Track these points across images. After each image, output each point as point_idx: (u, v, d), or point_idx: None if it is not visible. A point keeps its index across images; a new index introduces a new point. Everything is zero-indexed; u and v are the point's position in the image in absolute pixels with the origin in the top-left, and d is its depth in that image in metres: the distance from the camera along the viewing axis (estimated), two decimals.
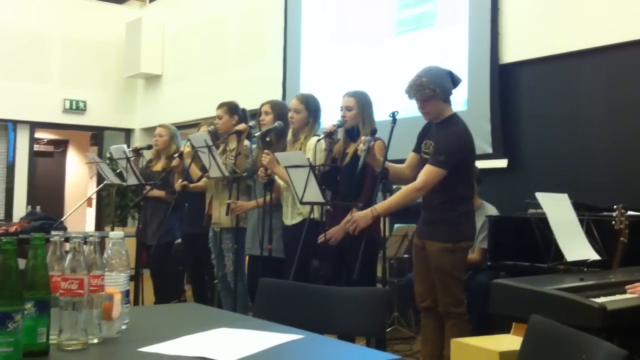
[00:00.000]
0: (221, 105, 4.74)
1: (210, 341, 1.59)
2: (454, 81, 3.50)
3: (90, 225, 10.75)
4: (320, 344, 1.65)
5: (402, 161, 4.73)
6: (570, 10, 4.84)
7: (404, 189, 3.45)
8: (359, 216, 3.42)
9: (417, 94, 3.42)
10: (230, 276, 4.50)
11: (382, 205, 3.44)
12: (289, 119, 4.24)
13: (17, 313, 1.31)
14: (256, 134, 4.29)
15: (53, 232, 1.57)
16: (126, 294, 1.70)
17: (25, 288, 1.39)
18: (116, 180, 5.75)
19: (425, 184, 3.35)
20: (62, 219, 6.78)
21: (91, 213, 10.79)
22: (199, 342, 1.57)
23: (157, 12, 9.91)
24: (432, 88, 3.38)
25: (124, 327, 1.68)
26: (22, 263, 1.38)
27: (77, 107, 9.74)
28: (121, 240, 1.69)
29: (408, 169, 3.64)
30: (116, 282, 1.65)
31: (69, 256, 1.52)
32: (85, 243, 1.56)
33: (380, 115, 3.97)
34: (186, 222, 5.07)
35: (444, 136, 3.42)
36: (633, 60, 4.53)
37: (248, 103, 5.13)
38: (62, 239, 1.57)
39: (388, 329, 5.02)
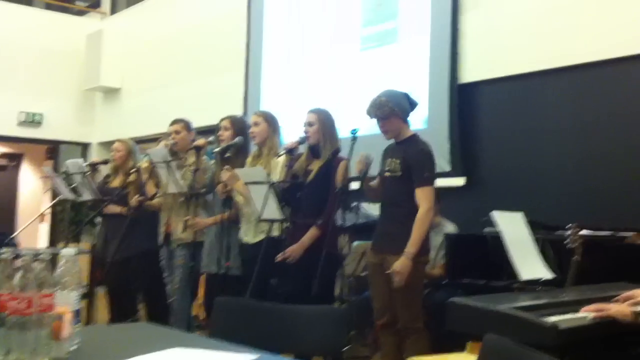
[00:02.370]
0: (178, 121, 4.70)
1: None
2: (411, 103, 3.63)
3: (43, 242, 10.51)
4: None
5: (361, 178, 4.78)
6: (527, 31, 4.95)
7: (417, 221, 3.48)
8: (401, 268, 3.42)
9: (377, 112, 3.56)
10: (175, 294, 4.44)
11: (412, 244, 3.46)
12: (249, 135, 4.23)
13: None
14: (215, 150, 4.27)
15: (2, 249, 1.53)
16: (77, 313, 1.65)
17: None
18: (70, 196, 5.63)
19: (429, 206, 3.49)
20: (14, 235, 6.62)
21: (44, 229, 10.55)
22: None
23: (118, 24, 9.81)
24: (391, 107, 3.50)
25: (74, 347, 1.63)
26: None
27: (33, 120, 9.55)
28: (74, 257, 1.65)
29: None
30: (67, 301, 1.61)
31: (19, 274, 1.48)
32: (36, 260, 1.53)
33: (344, 132, 4.01)
34: (142, 240, 4.99)
35: (416, 154, 3.55)
36: (590, 81, 4.65)
37: (208, 118, 5.11)
38: (12, 256, 1.53)
39: (345, 348, 4.99)
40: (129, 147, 5.37)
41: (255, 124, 4.17)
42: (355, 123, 3.96)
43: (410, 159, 3.54)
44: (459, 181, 5.17)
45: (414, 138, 3.66)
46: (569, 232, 2.97)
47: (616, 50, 4.45)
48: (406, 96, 3.65)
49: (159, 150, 4.44)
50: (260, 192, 3.65)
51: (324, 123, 3.94)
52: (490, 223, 3.25)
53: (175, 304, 4.46)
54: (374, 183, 3.76)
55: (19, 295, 1.45)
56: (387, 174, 3.62)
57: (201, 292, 4.79)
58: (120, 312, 5.20)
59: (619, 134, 4.46)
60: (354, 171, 3.76)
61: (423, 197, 3.50)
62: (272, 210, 3.65)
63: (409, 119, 3.68)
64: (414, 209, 3.50)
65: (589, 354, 2.29)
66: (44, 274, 1.54)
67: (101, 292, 5.38)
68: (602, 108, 4.57)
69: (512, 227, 2.93)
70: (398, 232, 3.52)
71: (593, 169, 4.56)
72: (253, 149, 4.31)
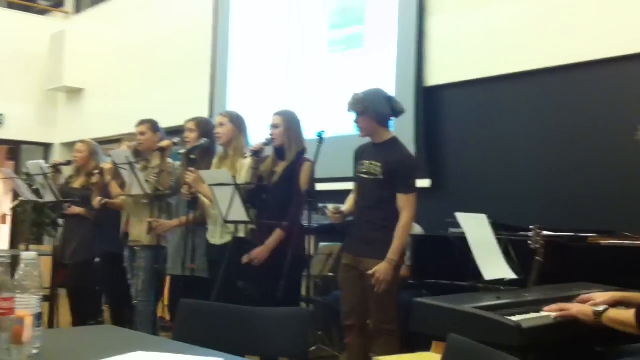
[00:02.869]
0: (144, 122, 4.65)
1: None
2: (394, 109, 3.60)
3: (4, 243, 10.29)
4: None
5: (329, 179, 4.80)
6: (493, 35, 5.02)
7: (400, 228, 3.49)
8: (385, 275, 3.42)
9: (351, 106, 3.59)
10: (139, 296, 4.40)
11: (395, 251, 3.46)
12: (215, 136, 4.20)
13: None
14: (181, 152, 4.23)
15: None
16: (38, 316, 1.62)
17: None
18: (32, 197, 5.54)
19: (412, 213, 3.52)
20: None
21: (5, 230, 10.34)
22: None
23: (82, 24, 9.67)
24: (365, 105, 3.51)
25: (34, 351, 1.60)
26: None
27: None
28: (34, 261, 1.62)
29: (354, 197, 3.74)
30: (27, 305, 1.58)
31: None
32: None
33: (309, 134, 4.01)
34: (104, 241, 4.92)
35: (400, 159, 3.57)
36: (553, 85, 4.74)
37: (174, 120, 5.07)
38: None
39: (312, 348, 5.00)
40: (91, 148, 5.30)
41: (221, 124, 4.14)
42: (323, 125, 3.96)
43: (393, 163, 3.54)
44: (424, 183, 5.21)
45: (394, 142, 3.66)
46: (531, 233, 3.01)
47: (578, 55, 4.55)
48: (388, 99, 3.64)
49: (122, 152, 4.40)
50: (226, 194, 3.63)
51: (289, 125, 3.94)
52: (455, 224, 3.28)
53: (139, 306, 4.41)
54: (344, 208, 3.74)
55: None
56: (365, 176, 3.62)
57: (167, 293, 4.75)
58: (83, 315, 5.13)
59: (581, 138, 4.55)
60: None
61: (407, 204, 3.50)
62: (238, 212, 3.63)
63: (390, 122, 3.68)
64: (393, 212, 3.50)
65: (552, 353, 2.33)
66: (3, 277, 1.51)
67: (63, 294, 5.30)
68: (565, 112, 4.65)
69: (476, 229, 2.96)
70: (376, 236, 3.53)
71: (555, 171, 4.64)
72: (219, 150, 4.28)
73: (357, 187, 3.72)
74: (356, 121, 3.62)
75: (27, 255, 1.62)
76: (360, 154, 3.73)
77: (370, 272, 3.45)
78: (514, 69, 4.88)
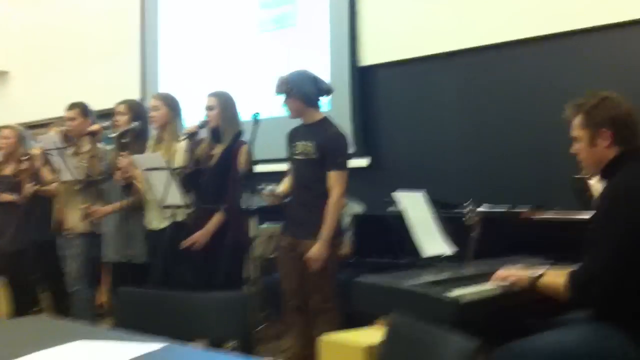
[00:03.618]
0: (73, 106, 4.50)
1: (65, 356, 1.50)
2: (320, 89, 3.61)
3: None
4: (181, 352, 1.61)
5: (268, 160, 4.77)
6: (424, 15, 5.07)
7: (330, 206, 3.49)
8: (318, 255, 3.43)
9: (277, 89, 3.61)
10: (75, 284, 4.31)
11: (327, 229, 3.47)
12: (148, 119, 4.11)
13: None
14: (112, 135, 4.12)
15: None
16: None
17: None
18: None
19: (342, 190, 3.53)
20: None
21: None
22: (54, 357, 1.48)
23: (3, 5, 9.25)
24: (290, 87, 3.53)
25: None
26: None
27: None
28: None
29: (290, 179, 3.74)
30: None
31: None
32: None
33: (245, 115, 3.97)
34: (37, 229, 4.77)
35: (330, 137, 3.57)
36: (482, 63, 4.82)
37: (104, 103, 4.92)
38: None
39: (258, 328, 5.00)
40: (18, 134, 5.11)
41: (155, 107, 4.05)
42: (258, 106, 3.93)
43: (324, 142, 3.55)
44: (362, 162, 5.25)
45: (325, 121, 3.67)
46: (467, 209, 3.07)
47: (507, 34, 4.64)
48: (314, 80, 3.64)
49: (50, 137, 4.26)
50: (161, 178, 3.56)
51: (224, 106, 3.89)
52: (392, 203, 3.32)
53: (76, 293, 4.31)
54: (279, 190, 3.73)
55: None
56: (299, 157, 3.62)
57: (105, 280, 4.66)
58: (22, 305, 4.99)
59: (513, 114, 4.66)
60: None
61: (336, 181, 3.52)
62: (175, 196, 3.58)
63: (319, 102, 3.68)
64: (326, 192, 3.52)
65: (490, 327, 2.38)
66: None
67: (1, 285, 5.13)
68: (496, 89, 4.76)
69: (414, 206, 3.00)
70: (310, 216, 3.54)
71: (489, 147, 4.75)
72: (153, 133, 4.19)
73: (292, 169, 3.72)
74: (284, 103, 3.62)
75: None
76: (293, 136, 3.73)
77: (306, 256, 3.47)
78: (444, 49, 4.95)
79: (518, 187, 4.47)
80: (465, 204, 3.09)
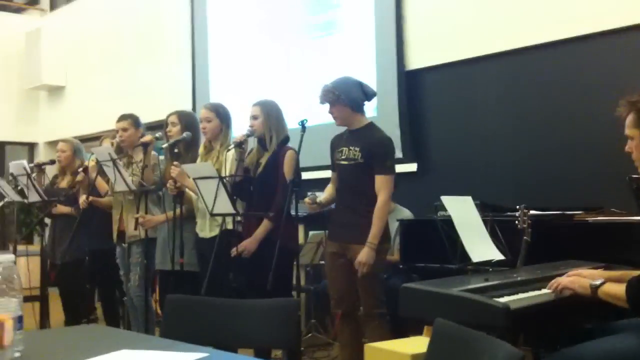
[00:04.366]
0: (124, 117, 4.60)
1: None
2: (366, 93, 3.62)
3: None
4: None
5: (315, 168, 4.78)
6: (470, 17, 5.01)
7: (377, 210, 3.49)
8: (366, 259, 3.42)
9: (323, 98, 3.59)
10: (134, 292, 4.38)
11: (373, 235, 3.46)
12: (201, 130, 4.17)
13: None
14: (164, 146, 4.19)
15: None
16: (19, 319, 1.60)
17: None
18: (17, 198, 5.49)
19: (389, 194, 3.53)
20: None
21: None
22: None
23: (58, 21, 9.56)
24: (337, 94, 3.52)
25: (17, 354, 1.58)
26: None
27: None
28: (11, 263, 1.60)
29: (333, 186, 3.75)
30: (7, 309, 1.56)
31: None
32: None
33: (292, 123, 3.99)
34: (93, 239, 4.89)
35: (377, 142, 3.57)
36: (537, 64, 4.73)
37: (155, 114, 5.03)
38: None
39: (306, 337, 5.01)
40: (73, 147, 5.27)
41: (207, 119, 4.11)
42: (306, 113, 3.94)
43: (371, 146, 3.55)
44: (411, 167, 5.21)
45: (371, 126, 3.67)
46: (518, 213, 3.00)
47: (554, 33, 4.55)
48: (359, 85, 3.65)
49: (104, 149, 4.36)
50: (211, 187, 3.60)
51: (268, 115, 3.91)
52: (442, 207, 3.27)
53: (136, 301, 4.38)
54: (321, 198, 3.74)
55: None
56: (344, 162, 3.62)
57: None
58: (76, 313, 5.12)
59: (566, 117, 4.55)
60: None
61: (384, 185, 3.51)
62: (224, 204, 3.61)
63: (364, 108, 3.68)
64: (373, 197, 3.50)
65: (541, 333, 2.33)
66: None
67: (54, 293, 5.28)
68: (550, 91, 4.65)
69: (462, 211, 2.95)
70: (358, 221, 3.53)
71: (540, 151, 4.65)
72: (204, 142, 4.25)
73: (337, 175, 3.72)
74: (330, 111, 3.62)
75: (5, 257, 1.60)
76: (337, 143, 3.73)
77: (355, 261, 3.46)
78: (492, 50, 4.87)
79: (569, 189, 4.37)
80: (516, 208, 3.03)
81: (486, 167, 4.88)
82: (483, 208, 3.24)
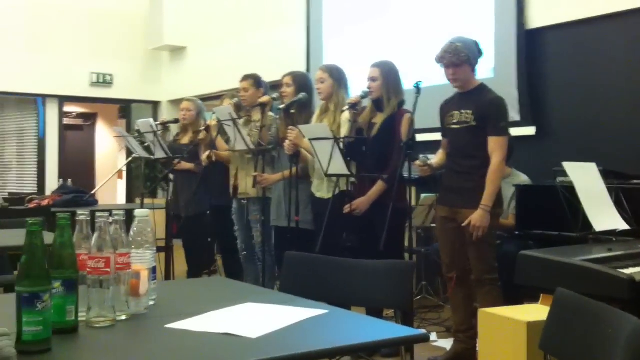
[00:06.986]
0: (247, 78, 4.73)
1: (235, 317, 1.60)
2: (480, 52, 3.55)
3: (121, 198, 10.90)
4: (344, 319, 1.66)
5: (426, 130, 4.73)
6: None
7: (491, 173, 3.43)
8: (480, 222, 3.39)
9: (452, 58, 3.47)
10: (258, 247, 4.55)
11: (488, 197, 3.42)
12: (315, 91, 4.22)
13: (45, 293, 1.33)
14: (280, 107, 4.29)
15: (79, 212, 1.59)
16: (153, 270, 1.72)
17: (53, 267, 1.41)
18: (144, 154, 5.80)
19: (503, 156, 3.45)
20: (93, 192, 6.89)
21: (122, 185, 10.93)
22: (225, 317, 1.59)
23: None
24: (466, 53, 3.43)
25: (151, 302, 1.70)
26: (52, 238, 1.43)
27: (104, 81, 9.79)
28: (146, 218, 1.71)
29: (444, 151, 3.71)
30: (142, 259, 1.67)
31: (95, 235, 1.54)
32: (111, 221, 1.59)
33: (406, 85, 3.95)
34: (213, 195, 5.11)
35: (489, 103, 3.49)
36: None
37: (271, 74, 5.12)
38: (88, 218, 1.59)
39: (416, 298, 5.04)
40: (198, 106, 5.48)
41: (321, 80, 4.15)
42: (421, 74, 3.89)
43: (484, 108, 3.47)
44: (529, 131, 5.03)
45: (483, 87, 3.59)
46: None
47: None
48: (476, 44, 3.57)
49: (225, 109, 4.51)
50: (326, 148, 3.65)
51: (387, 77, 3.89)
52: (562, 173, 3.16)
53: (260, 256, 4.56)
54: (432, 162, 3.69)
55: (97, 255, 1.51)
56: (456, 126, 3.56)
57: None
58: (198, 266, 5.39)
59: None
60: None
61: (497, 147, 3.43)
62: (339, 165, 3.65)
63: (476, 68, 3.60)
64: (486, 160, 3.44)
65: None
66: (118, 234, 1.60)
67: (178, 245, 5.57)
68: None
69: (585, 178, 2.84)
70: (469, 185, 3.48)
71: None
72: (319, 103, 4.31)
73: (449, 138, 3.66)
74: (453, 72, 3.52)
75: (140, 212, 1.71)
76: (447, 108, 3.67)
77: (464, 223, 3.41)
78: (618, 8, 4.56)
79: None
80: None
81: (610, 131, 4.63)
82: (607, 175, 3.10)
